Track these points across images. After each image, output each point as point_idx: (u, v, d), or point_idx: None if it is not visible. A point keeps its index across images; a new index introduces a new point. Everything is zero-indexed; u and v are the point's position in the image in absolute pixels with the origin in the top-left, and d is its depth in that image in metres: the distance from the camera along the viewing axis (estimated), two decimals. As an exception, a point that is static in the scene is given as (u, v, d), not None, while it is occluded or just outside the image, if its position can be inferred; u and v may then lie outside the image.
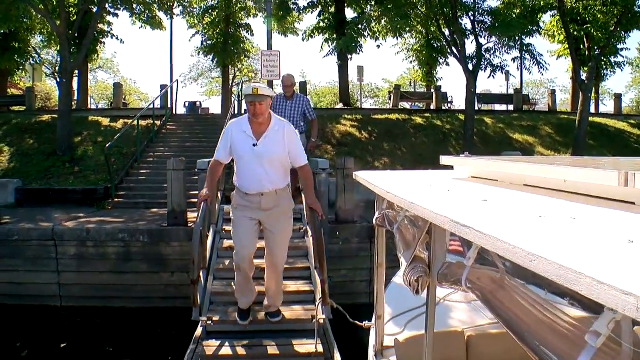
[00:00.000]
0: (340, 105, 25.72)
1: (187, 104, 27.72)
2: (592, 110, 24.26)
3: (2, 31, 22.52)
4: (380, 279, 3.70)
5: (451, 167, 2.91)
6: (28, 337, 8.84)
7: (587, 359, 1.01)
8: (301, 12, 26.86)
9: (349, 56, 24.60)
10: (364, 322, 4.46)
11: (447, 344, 3.28)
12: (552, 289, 1.54)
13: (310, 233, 7.56)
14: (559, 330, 1.16)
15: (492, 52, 19.72)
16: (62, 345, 8.60)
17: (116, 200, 13.85)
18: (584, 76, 19.75)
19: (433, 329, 2.23)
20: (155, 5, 23.81)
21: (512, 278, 1.48)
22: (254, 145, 5.07)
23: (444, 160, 2.80)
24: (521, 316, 1.31)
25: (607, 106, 40.41)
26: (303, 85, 25.42)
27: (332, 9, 25.66)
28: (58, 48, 21.36)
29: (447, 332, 3.49)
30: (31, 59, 27.74)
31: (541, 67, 20.60)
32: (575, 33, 21.26)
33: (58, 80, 20.67)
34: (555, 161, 2.13)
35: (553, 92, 27.96)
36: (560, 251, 0.95)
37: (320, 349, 5.20)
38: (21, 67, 26.74)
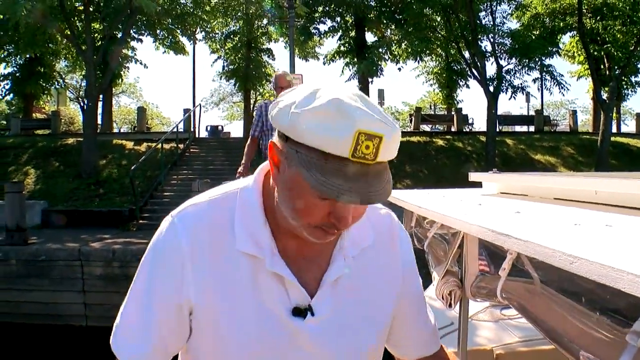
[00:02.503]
0: (361, 128, 25.76)
1: (208, 128, 27.96)
2: (614, 130, 24.10)
3: (28, 56, 23.00)
4: (407, 296, 3.70)
5: (479, 184, 2.94)
6: (56, 356, 8.92)
7: (629, 358, 1.04)
8: (322, 36, 27.09)
9: (370, 79, 24.72)
10: None
11: (475, 362, 3.28)
12: (585, 301, 1.58)
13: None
14: (598, 334, 1.19)
15: (512, 73, 19.74)
16: (90, 364, 8.68)
17: (141, 222, 14.01)
18: (604, 96, 19.66)
19: (466, 342, 2.25)
20: (178, 31, 24.19)
21: (547, 288, 1.51)
22: (299, 314, 1.13)
23: (473, 176, 2.83)
24: (559, 323, 1.34)
25: (629, 126, 40.08)
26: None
27: (353, 33, 25.83)
28: (82, 73, 21.78)
29: (476, 350, 3.48)
30: (56, 84, 28.23)
31: (562, 88, 20.59)
32: (595, 53, 21.24)
33: (82, 104, 21.02)
34: (584, 175, 2.16)
35: (574, 113, 27.85)
36: (600, 253, 0.99)
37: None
38: (46, 92, 27.20)
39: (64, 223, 13.87)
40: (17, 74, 25.03)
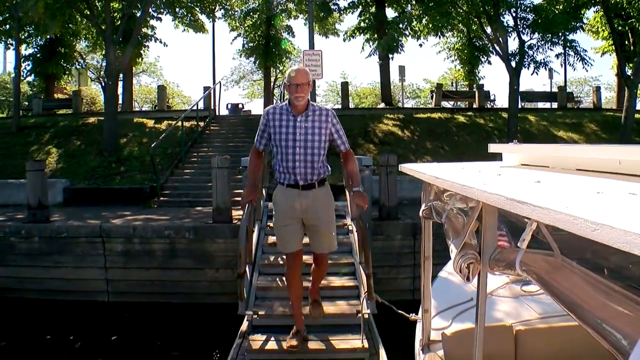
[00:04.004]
0: (382, 105, 25.62)
1: (229, 106, 27.91)
2: (638, 106, 23.68)
3: (49, 36, 23.09)
4: (427, 272, 3.67)
5: (500, 157, 2.88)
6: (79, 331, 9.05)
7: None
8: (342, 12, 26.91)
9: (390, 55, 24.50)
10: (410, 314, 4.43)
11: (495, 338, 3.23)
12: (607, 273, 1.52)
13: (354, 229, 7.57)
14: (621, 308, 1.14)
15: (534, 48, 19.36)
16: (113, 338, 8.81)
17: (161, 199, 14.10)
18: (629, 72, 19.30)
19: (484, 316, 2.21)
20: (198, 9, 24.14)
21: (567, 260, 1.46)
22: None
23: (492, 148, 2.75)
24: (581, 296, 1.29)
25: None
26: (344, 85, 25.37)
27: (373, 9, 25.62)
28: (103, 52, 21.84)
29: (495, 327, 3.44)
30: (77, 64, 28.36)
31: (585, 63, 20.09)
32: (620, 28, 20.79)
33: (103, 84, 21.16)
34: (608, 145, 2.08)
35: (598, 89, 27.33)
36: (624, 219, 0.94)
37: (365, 344, 5.20)
38: (67, 72, 27.36)
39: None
40: (38, 55, 25.20)
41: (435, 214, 2.88)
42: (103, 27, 17.88)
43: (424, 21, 21.17)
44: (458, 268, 2.09)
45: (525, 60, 18.94)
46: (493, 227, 1.92)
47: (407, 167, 2.95)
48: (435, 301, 4.28)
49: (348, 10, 26.51)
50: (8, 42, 23.53)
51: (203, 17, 25.52)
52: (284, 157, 4.70)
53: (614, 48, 21.24)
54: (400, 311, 4.65)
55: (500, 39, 18.68)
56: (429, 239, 3.57)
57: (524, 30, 19.53)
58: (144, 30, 23.97)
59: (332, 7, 26.04)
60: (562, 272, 1.42)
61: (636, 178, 1.58)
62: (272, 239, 7.61)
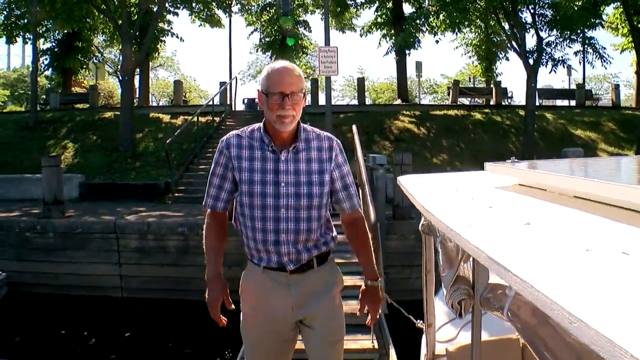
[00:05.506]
0: (398, 101, 25.52)
1: (245, 101, 27.91)
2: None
3: (66, 31, 23.24)
4: (429, 286, 3.62)
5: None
6: (93, 327, 9.17)
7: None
8: (358, 7, 26.87)
9: (407, 51, 24.38)
10: (417, 320, 4.40)
11: (501, 351, 3.20)
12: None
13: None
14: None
15: (553, 45, 19.14)
16: (126, 334, 8.90)
17: (176, 194, 14.17)
18: (648, 70, 19.06)
19: (480, 358, 2.17)
20: (214, 4, 24.15)
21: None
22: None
23: (488, 167, 2.68)
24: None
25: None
26: (361, 81, 25.27)
27: (390, 4, 25.50)
28: (120, 47, 21.98)
29: (501, 340, 3.39)
30: (94, 58, 28.55)
31: (604, 61, 19.83)
32: (639, 25, 20.49)
33: (120, 78, 21.43)
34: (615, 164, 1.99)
35: (617, 87, 26.99)
36: (601, 316, 0.79)
37: (375, 344, 5.22)
38: (84, 66, 27.51)
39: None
40: (56, 49, 25.36)
41: (432, 231, 2.81)
42: (119, 22, 17.97)
43: (441, 17, 21.03)
44: (450, 304, 2.04)
45: (543, 57, 18.74)
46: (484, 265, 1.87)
47: (404, 186, 2.85)
48: (443, 309, 4.22)
49: (365, 6, 26.45)
50: (26, 37, 23.71)
51: (220, 12, 25.54)
52: (258, 223, 2.65)
53: (633, 45, 20.96)
54: (408, 315, 4.64)
55: (518, 35, 18.49)
56: (431, 252, 3.51)
57: (542, 27, 19.31)
58: (161, 25, 24.06)
59: (349, 2, 25.97)
60: (550, 326, 1.31)
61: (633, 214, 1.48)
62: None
